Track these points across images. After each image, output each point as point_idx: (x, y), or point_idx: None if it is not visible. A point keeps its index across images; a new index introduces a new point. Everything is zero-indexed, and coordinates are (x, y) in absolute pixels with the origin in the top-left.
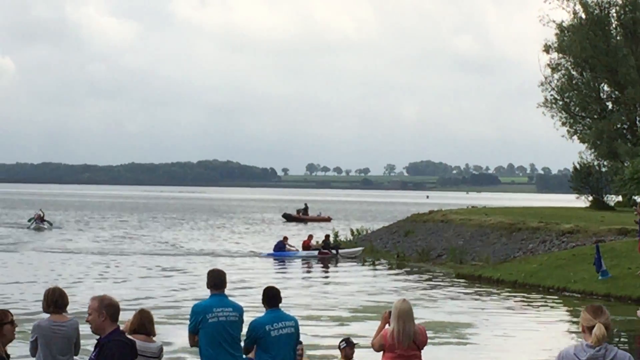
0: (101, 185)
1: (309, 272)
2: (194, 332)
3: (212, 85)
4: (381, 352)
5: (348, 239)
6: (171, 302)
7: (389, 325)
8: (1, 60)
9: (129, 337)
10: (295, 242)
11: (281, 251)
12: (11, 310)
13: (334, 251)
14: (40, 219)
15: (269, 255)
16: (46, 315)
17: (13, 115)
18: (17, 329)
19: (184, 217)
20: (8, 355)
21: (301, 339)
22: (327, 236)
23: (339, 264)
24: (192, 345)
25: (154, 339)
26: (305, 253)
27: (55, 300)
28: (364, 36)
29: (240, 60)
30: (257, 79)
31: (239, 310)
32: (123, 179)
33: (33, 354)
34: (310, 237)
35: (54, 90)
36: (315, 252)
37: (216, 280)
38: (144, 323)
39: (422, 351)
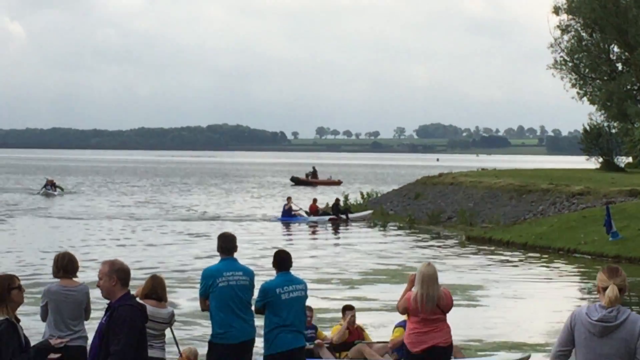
0: (111, 150)
1: (318, 235)
2: (204, 297)
3: (222, 48)
4: (405, 316)
5: (358, 202)
6: (183, 267)
7: (413, 288)
8: (10, 25)
9: (140, 301)
10: (303, 205)
11: (289, 216)
12: (33, 277)
13: (343, 216)
14: (51, 185)
15: (278, 219)
16: (57, 281)
17: (23, 80)
18: (30, 295)
19: (197, 182)
20: (18, 320)
21: (311, 302)
22: (338, 200)
23: (348, 228)
24: (203, 310)
25: (166, 304)
26: (316, 218)
27: (65, 265)
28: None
29: (251, 24)
30: (267, 42)
31: (250, 274)
32: (133, 143)
33: (44, 319)
34: (315, 200)
35: (64, 56)
36: (326, 217)
37: (226, 244)
38: (156, 288)
39: (447, 315)
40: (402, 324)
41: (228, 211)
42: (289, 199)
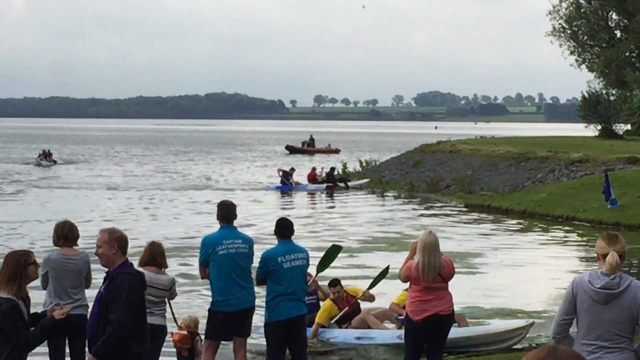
0: (109, 119)
1: (317, 203)
2: (204, 265)
3: (220, 16)
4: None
5: (357, 170)
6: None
7: (415, 257)
8: None
9: (139, 269)
10: (299, 174)
11: (286, 185)
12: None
13: (341, 184)
14: (45, 156)
15: (277, 188)
16: (57, 249)
17: (21, 49)
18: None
19: (195, 150)
20: (27, 296)
21: (311, 270)
22: (333, 168)
23: (348, 195)
24: (202, 278)
25: (166, 271)
26: (314, 186)
27: (65, 234)
28: None
29: None
30: (265, 10)
31: (249, 242)
32: (131, 112)
33: (44, 287)
34: (314, 169)
35: (62, 24)
36: (323, 186)
37: (226, 212)
38: (155, 255)
39: (448, 283)
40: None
41: (224, 179)
42: (292, 169)
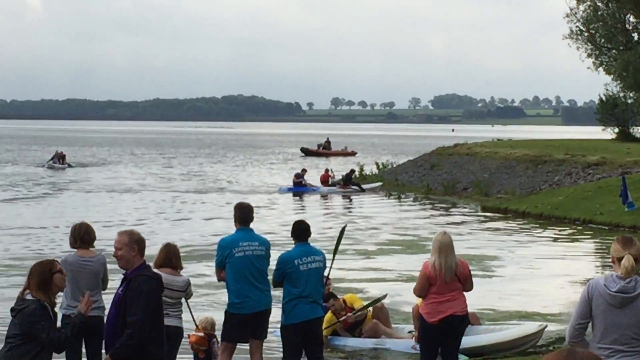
0: (126, 121)
1: (333, 206)
2: (220, 267)
3: (238, 19)
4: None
5: (374, 173)
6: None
7: (430, 257)
8: None
9: (155, 271)
10: (313, 176)
11: (299, 186)
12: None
13: (355, 187)
14: (59, 158)
15: (289, 190)
16: (74, 251)
17: (39, 51)
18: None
19: (207, 153)
20: (54, 304)
21: (327, 272)
22: (352, 171)
23: (361, 198)
24: (219, 280)
25: (181, 272)
26: (327, 189)
27: (81, 236)
28: None
29: None
30: (283, 12)
31: (266, 244)
32: (147, 114)
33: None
34: (327, 170)
35: (80, 26)
36: (335, 188)
37: (243, 214)
38: (170, 257)
39: (463, 284)
40: None
41: (235, 181)
42: (303, 170)
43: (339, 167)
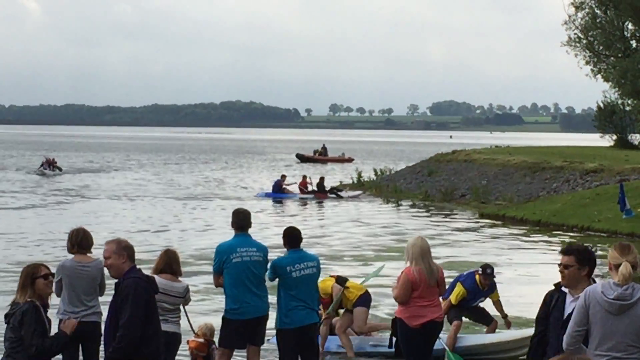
0: (124, 127)
1: (329, 211)
2: (218, 272)
3: (236, 25)
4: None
5: (372, 179)
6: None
7: (408, 263)
8: (25, 2)
9: (154, 275)
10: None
11: (278, 192)
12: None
13: (332, 195)
14: (49, 164)
15: (267, 195)
16: (71, 256)
17: (37, 57)
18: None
19: (213, 159)
20: (47, 307)
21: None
22: (322, 178)
23: (361, 204)
24: (216, 286)
25: (180, 279)
26: (303, 195)
27: (79, 241)
28: None
29: (266, 1)
30: (282, 18)
31: (263, 250)
32: (146, 120)
33: (58, 294)
34: (304, 177)
35: (79, 32)
36: (312, 195)
37: (241, 220)
38: (170, 263)
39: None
40: (461, 279)
41: (217, 186)
42: (283, 176)
43: (335, 174)
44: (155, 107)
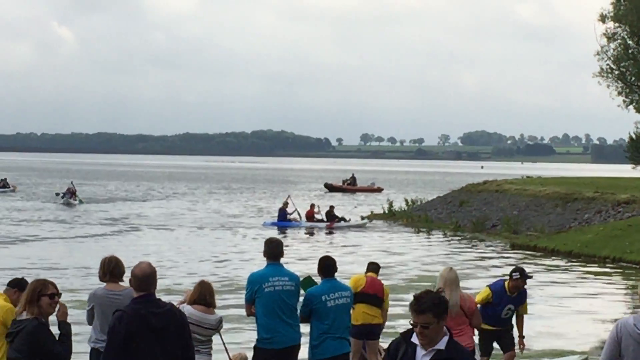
0: (156, 155)
1: (360, 241)
2: (250, 302)
3: (269, 55)
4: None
5: (402, 209)
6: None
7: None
8: (59, 30)
9: (187, 306)
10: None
11: (284, 220)
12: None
13: (340, 223)
14: (71, 193)
15: (272, 224)
16: (103, 285)
17: (70, 85)
18: (75, 299)
19: (245, 188)
20: (48, 325)
21: None
22: (332, 207)
23: (392, 235)
24: (248, 315)
25: (214, 310)
26: (309, 224)
27: (111, 269)
28: (426, 5)
29: (299, 29)
30: (315, 48)
31: (296, 280)
32: (177, 149)
33: (90, 322)
34: (312, 206)
35: (112, 60)
36: (322, 224)
37: (273, 249)
38: (204, 294)
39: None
40: (491, 284)
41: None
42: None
43: (361, 205)
44: (186, 135)
